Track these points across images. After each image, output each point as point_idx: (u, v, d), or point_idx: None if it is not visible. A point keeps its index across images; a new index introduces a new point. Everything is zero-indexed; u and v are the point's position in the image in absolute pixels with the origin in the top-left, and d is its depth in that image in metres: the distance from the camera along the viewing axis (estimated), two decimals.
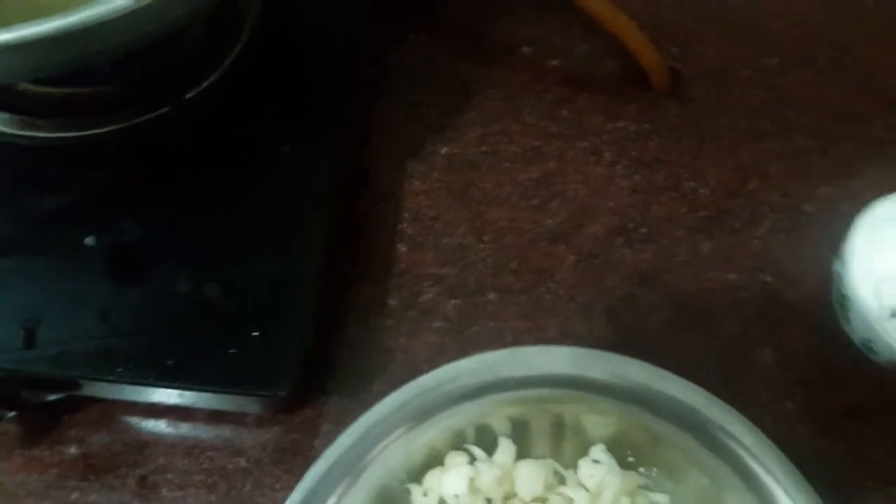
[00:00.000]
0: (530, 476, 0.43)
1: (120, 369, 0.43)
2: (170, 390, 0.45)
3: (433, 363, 0.41)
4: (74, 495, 0.45)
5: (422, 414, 0.41)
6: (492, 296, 0.53)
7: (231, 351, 0.43)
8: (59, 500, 0.45)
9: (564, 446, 0.45)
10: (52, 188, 0.50)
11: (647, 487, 0.44)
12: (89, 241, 0.47)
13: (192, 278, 0.45)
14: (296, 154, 0.51)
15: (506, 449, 0.44)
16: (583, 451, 0.45)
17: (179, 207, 0.49)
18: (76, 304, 0.45)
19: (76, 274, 0.46)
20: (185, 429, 0.47)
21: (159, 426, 0.47)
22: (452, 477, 0.42)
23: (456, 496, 0.42)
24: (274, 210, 0.49)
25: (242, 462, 0.46)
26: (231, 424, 0.47)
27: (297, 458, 0.47)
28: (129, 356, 0.43)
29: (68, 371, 0.43)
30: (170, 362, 0.43)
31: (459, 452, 0.43)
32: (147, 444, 0.47)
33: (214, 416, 0.47)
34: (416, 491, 0.43)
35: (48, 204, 0.49)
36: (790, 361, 0.51)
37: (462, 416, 0.42)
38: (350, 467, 0.39)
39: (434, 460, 0.43)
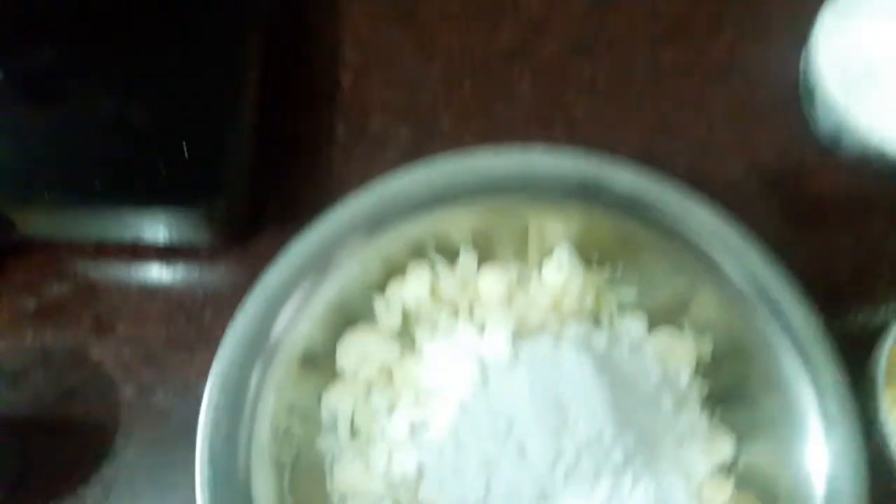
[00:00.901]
0: (493, 280, 0.42)
1: (45, 195, 0.41)
2: (110, 224, 0.43)
3: None
4: (28, 336, 0.44)
5: (376, 223, 0.40)
6: (446, 119, 0.50)
7: (160, 168, 0.41)
8: (15, 344, 0.44)
9: (528, 252, 0.44)
10: None
11: (613, 284, 0.44)
12: None
13: (115, 100, 0.42)
14: None
15: (467, 257, 0.43)
16: (547, 253, 0.44)
17: (93, 28, 0.45)
18: None
19: None
20: (137, 267, 0.46)
21: (110, 267, 0.46)
22: (413, 283, 0.41)
23: (418, 302, 0.41)
24: (202, 25, 0.45)
25: (200, 293, 0.45)
26: (184, 259, 0.46)
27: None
28: (54, 181, 0.41)
29: None
30: (97, 183, 0.41)
31: (420, 262, 0.42)
32: (99, 284, 0.45)
33: (167, 253, 0.46)
34: (378, 301, 0.42)
35: None
36: (760, 164, 0.50)
37: (418, 227, 0.41)
38: (305, 275, 0.38)
39: (395, 272, 0.42)
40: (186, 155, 0.40)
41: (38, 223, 0.43)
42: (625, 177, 0.40)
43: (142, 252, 0.46)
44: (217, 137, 0.42)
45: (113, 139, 0.42)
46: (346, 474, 0.39)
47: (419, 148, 0.50)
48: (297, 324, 0.38)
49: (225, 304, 0.45)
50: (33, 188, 0.41)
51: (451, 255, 0.43)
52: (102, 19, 0.44)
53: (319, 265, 0.39)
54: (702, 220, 0.40)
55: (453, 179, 0.41)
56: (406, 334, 0.42)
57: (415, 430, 0.39)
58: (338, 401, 0.41)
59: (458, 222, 0.42)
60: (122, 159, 0.41)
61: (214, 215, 0.42)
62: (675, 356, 0.40)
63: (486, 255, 0.43)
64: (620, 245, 0.42)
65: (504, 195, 0.41)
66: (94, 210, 0.41)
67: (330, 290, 0.39)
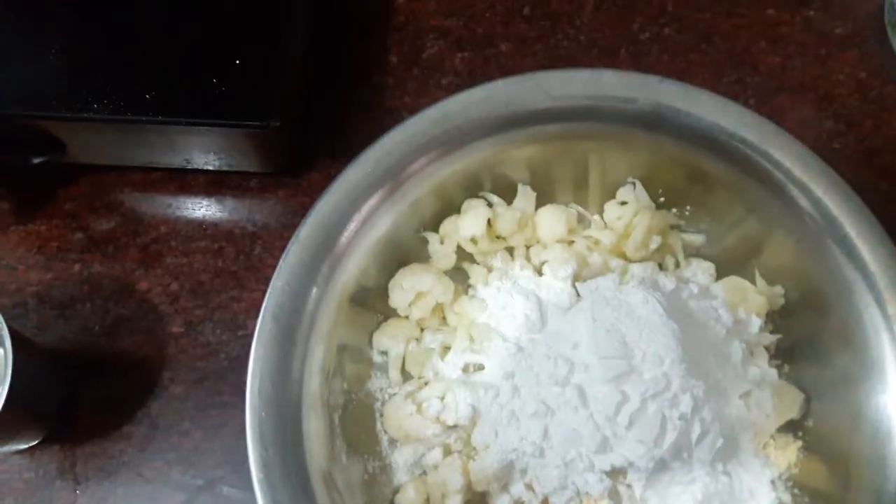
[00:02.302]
0: (552, 218, 0.40)
1: (95, 105, 0.39)
2: (160, 143, 0.41)
3: None
4: (76, 267, 0.43)
5: (432, 148, 0.37)
6: (504, 46, 0.48)
7: (213, 80, 0.39)
8: (62, 272, 0.43)
9: (589, 193, 0.42)
10: None
11: (680, 228, 0.42)
12: None
13: (169, 12, 0.41)
14: None
15: (525, 194, 0.41)
16: (609, 195, 0.42)
17: None
18: (37, 40, 0.40)
19: (33, 6, 0.41)
20: (185, 200, 0.44)
21: (158, 199, 0.44)
22: (469, 219, 0.39)
23: (473, 239, 0.39)
24: None
25: (249, 227, 0.44)
26: (233, 191, 0.44)
27: None
28: (104, 91, 0.39)
29: (39, 111, 0.39)
30: (148, 95, 0.39)
31: (476, 199, 0.41)
32: (146, 213, 0.44)
33: (215, 183, 0.45)
34: (432, 239, 0.40)
35: None
36: (836, 98, 0.47)
37: (476, 157, 0.38)
38: (347, 216, 0.37)
39: (449, 210, 0.41)
40: (240, 68, 0.38)
41: (88, 143, 0.42)
42: (703, 104, 0.37)
43: (190, 185, 0.45)
44: (272, 55, 0.40)
45: (166, 52, 0.40)
46: (397, 416, 0.38)
47: (475, 77, 0.48)
48: (358, 245, 0.37)
49: (275, 238, 0.44)
50: (82, 98, 0.39)
51: (507, 196, 0.41)
52: None
53: (369, 197, 0.37)
54: (784, 153, 0.37)
55: (516, 100, 0.38)
56: (460, 274, 0.40)
57: (469, 372, 0.38)
58: (389, 341, 0.39)
59: (517, 155, 0.39)
60: (174, 70, 0.40)
61: (267, 134, 0.40)
62: (745, 303, 0.38)
63: (544, 197, 0.41)
64: (690, 184, 0.39)
65: (569, 122, 0.38)
66: (145, 126, 0.39)
67: (379, 231, 0.37)
